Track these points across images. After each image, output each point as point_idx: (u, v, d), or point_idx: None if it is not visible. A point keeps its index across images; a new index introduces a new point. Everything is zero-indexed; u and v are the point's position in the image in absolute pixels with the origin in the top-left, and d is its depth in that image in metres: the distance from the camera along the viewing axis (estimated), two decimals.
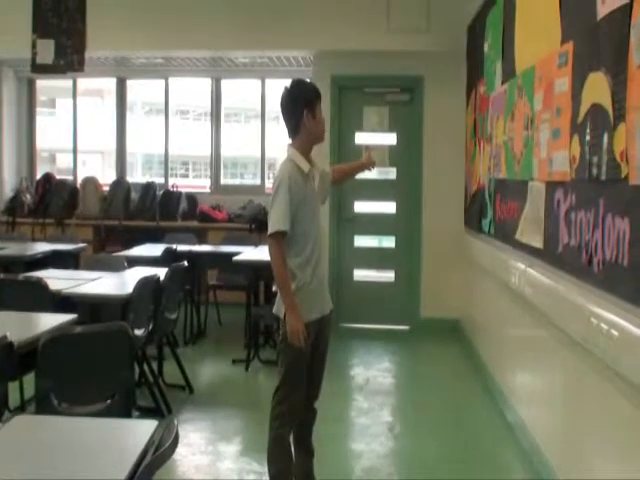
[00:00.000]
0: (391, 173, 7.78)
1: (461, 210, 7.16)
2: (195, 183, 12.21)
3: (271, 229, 3.23)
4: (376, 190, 7.77)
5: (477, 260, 6.10)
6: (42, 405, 2.93)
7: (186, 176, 13.45)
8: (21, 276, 4.65)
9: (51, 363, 2.92)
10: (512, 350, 4.97)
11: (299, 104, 3.35)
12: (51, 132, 11.44)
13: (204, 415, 4.91)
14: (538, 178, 4.01)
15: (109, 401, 3.03)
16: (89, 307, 4.36)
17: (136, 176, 11.17)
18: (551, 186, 3.75)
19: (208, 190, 9.23)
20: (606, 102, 2.89)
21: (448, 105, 7.32)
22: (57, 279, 4.75)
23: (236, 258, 6.27)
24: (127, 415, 3.09)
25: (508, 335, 5.14)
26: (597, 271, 3.02)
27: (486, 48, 5.78)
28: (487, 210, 5.71)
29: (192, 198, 8.83)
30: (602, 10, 2.97)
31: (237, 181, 11.97)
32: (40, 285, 4.31)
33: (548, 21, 3.78)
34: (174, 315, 5.22)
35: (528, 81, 4.24)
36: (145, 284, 4.53)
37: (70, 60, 7.19)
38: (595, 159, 3.02)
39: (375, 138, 7.79)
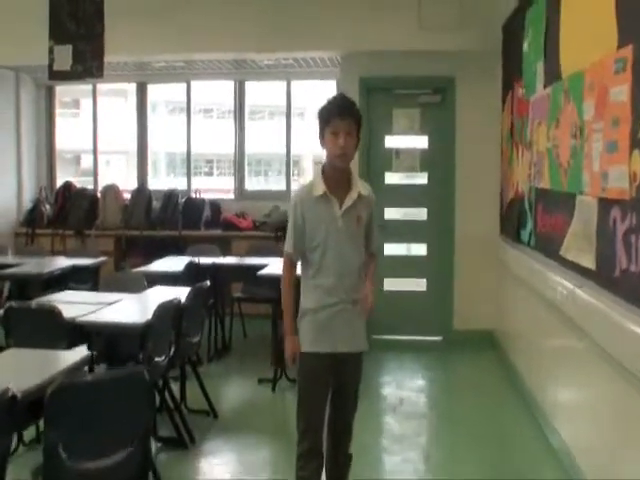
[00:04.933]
0: (422, 178, 7.47)
1: (496, 217, 6.83)
2: (219, 182, 12.01)
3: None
4: (407, 196, 7.47)
5: (514, 271, 5.81)
6: (50, 459, 2.66)
7: (210, 174, 13.27)
8: (34, 304, 4.40)
9: (59, 414, 2.64)
10: (553, 365, 4.65)
11: (318, 119, 3.18)
12: (75, 133, 11.24)
13: (229, 445, 4.65)
14: (589, 193, 3.69)
15: (121, 455, 2.74)
16: (105, 335, 4.10)
17: (160, 176, 11.03)
18: (605, 203, 3.43)
19: (232, 196, 8.98)
20: None
21: (482, 107, 6.99)
22: (72, 304, 4.51)
23: (261, 272, 6.02)
24: (144, 466, 2.82)
25: (547, 348, 4.85)
26: None
27: (525, 48, 5.43)
28: (527, 220, 5.38)
29: (216, 205, 8.59)
30: None
31: (262, 184, 11.75)
32: (53, 313, 4.06)
33: (601, 21, 3.44)
34: (196, 338, 4.94)
35: (576, 86, 3.90)
36: (165, 310, 4.25)
37: (89, 66, 7.02)
38: None
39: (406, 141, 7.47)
